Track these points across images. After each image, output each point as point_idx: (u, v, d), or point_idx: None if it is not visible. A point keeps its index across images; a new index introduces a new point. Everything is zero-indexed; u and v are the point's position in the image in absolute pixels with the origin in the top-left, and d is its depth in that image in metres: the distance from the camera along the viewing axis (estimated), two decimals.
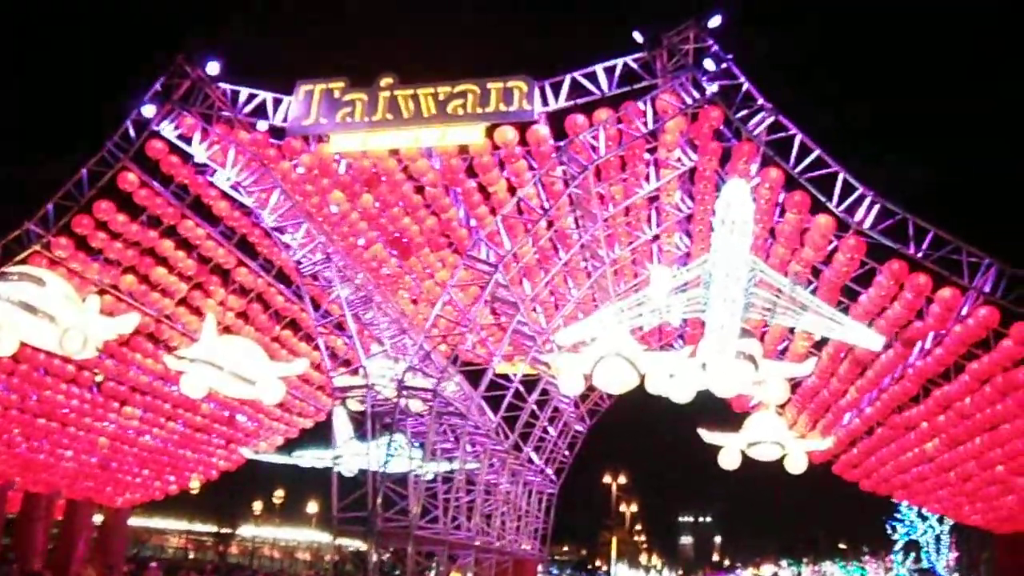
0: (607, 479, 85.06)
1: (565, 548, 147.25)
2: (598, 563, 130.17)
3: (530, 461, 36.48)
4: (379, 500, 24.34)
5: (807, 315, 20.19)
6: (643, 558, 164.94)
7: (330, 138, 25.83)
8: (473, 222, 27.67)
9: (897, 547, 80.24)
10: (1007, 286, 22.30)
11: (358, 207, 28.13)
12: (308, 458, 38.06)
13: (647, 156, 25.72)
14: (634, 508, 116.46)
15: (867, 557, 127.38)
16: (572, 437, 40.40)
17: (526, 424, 34.10)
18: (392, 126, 24.95)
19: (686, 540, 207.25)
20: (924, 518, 71.88)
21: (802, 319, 20.22)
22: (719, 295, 19.38)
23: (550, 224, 26.81)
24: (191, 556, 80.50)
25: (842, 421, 32.28)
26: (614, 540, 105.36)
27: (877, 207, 22.73)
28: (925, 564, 75.95)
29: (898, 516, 75.34)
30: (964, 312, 23.06)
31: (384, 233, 29.29)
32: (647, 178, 26.38)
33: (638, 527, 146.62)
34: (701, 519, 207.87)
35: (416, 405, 26.68)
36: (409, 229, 28.67)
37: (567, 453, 40.73)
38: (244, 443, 39.34)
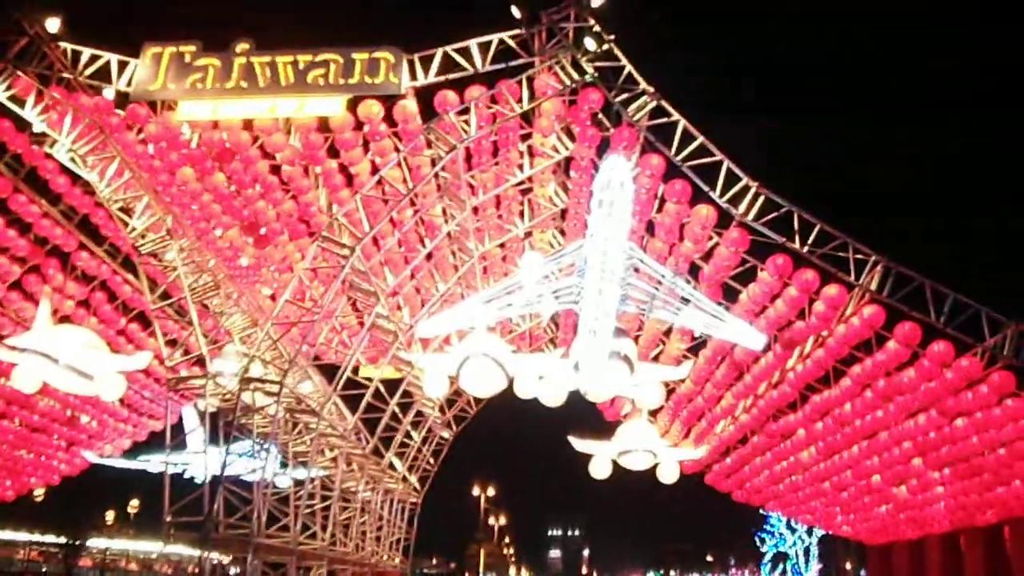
0: (476, 491, 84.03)
1: (434, 561, 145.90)
2: None
3: (392, 467, 34.55)
4: (216, 505, 22.02)
5: (687, 310, 18.98)
6: (512, 571, 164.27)
7: (178, 105, 23.64)
8: (335, 207, 25.68)
9: (766, 559, 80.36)
10: (894, 285, 21.45)
11: (209, 186, 26.01)
12: (156, 462, 35.53)
13: (521, 147, 24.38)
14: (503, 521, 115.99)
15: (734, 569, 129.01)
16: (437, 444, 38.56)
17: (388, 428, 32.29)
18: (246, 94, 22.98)
19: (555, 553, 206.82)
20: (793, 530, 72.06)
21: (682, 314, 18.99)
22: (594, 285, 17.97)
23: (416, 210, 25.12)
24: (43, 570, 75.90)
25: (716, 429, 31.39)
26: (482, 553, 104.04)
27: (762, 199, 21.68)
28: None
29: (768, 528, 75.42)
30: (849, 311, 22.11)
31: (238, 217, 27.19)
32: (520, 167, 24.96)
33: (507, 540, 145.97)
34: (570, 532, 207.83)
35: (267, 402, 24.52)
36: (265, 213, 26.65)
37: (432, 461, 38.89)
38: (87, 445, 36.44)
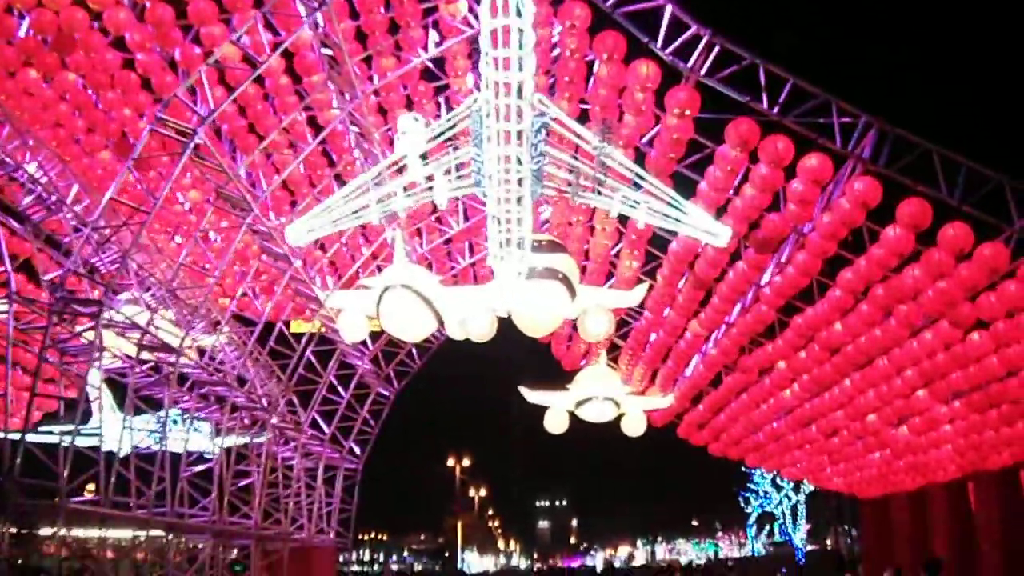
0: (451, 462, 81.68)
1: (422, 537, 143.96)
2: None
3: (315, 428, 30.04)
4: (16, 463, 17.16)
5: (629, 192, 14.29)
6: (500, 544, 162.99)
7: None
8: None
9: (751, 520, 75.68)
10: (891, 154, 16.72)
11: (60, 91, 21.56)
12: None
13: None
14: (483, 492, 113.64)
15: (720, 533, 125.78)
16: (376, 403, 34.00)
17: (305, 381, 27.91)
18: None
19: (543, 524, 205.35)
20: (779, 488, 67.17)
21: (620, 198, 14.29)
22: (496, 156, 13.26)
23: (300, 97, 20.65)
24: None
25: (684, 371, 27.08)
26: (459, 526, 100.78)
27: (717, 50, 16.96)
28: (779, 538, 71.86)
29: (751, 486, 70.54)
30: (836, 193, 17.46)
31: (106, 133, 22.60)
32: (425, 46, 20.53)
33: (490, 512, 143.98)
34: (558, 503, 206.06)
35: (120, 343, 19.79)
36: (134, 123, 22.01)
37: (372, 423, 34.33)
38: None
